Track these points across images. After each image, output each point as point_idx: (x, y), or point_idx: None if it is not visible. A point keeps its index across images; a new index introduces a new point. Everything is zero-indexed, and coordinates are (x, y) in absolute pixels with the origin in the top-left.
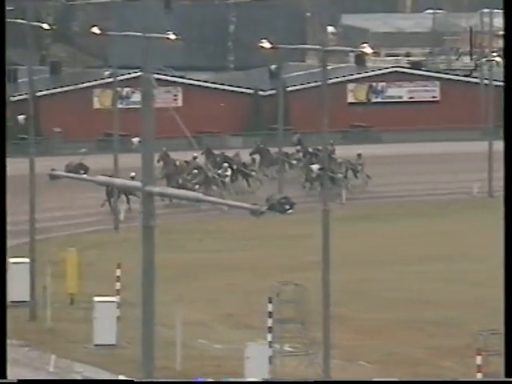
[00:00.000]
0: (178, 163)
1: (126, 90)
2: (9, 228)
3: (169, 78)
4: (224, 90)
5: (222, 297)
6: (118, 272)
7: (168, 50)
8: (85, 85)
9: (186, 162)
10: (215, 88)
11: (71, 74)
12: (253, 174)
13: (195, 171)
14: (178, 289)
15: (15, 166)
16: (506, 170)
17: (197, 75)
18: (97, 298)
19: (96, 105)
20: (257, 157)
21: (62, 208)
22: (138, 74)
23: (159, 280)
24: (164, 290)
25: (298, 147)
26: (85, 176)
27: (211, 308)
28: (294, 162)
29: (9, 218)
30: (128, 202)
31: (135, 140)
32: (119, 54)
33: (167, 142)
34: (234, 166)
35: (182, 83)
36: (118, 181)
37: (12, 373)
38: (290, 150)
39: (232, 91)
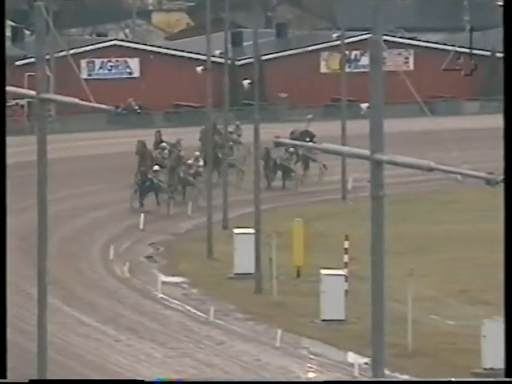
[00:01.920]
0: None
1: (355, 52)
2: (233, 198)
3: (399, 39)
4: (457, 51)
5: (455, 271)
6: (346, 244)
7: (399, 10)
8: (312, 48)
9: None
10: (448, 50)
11: (298, 36)
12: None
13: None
14: (408, 262)
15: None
16: (506, 170)
17: (429, 36)
18: (324, 271)
19: (323, 69)
20: None
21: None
22: (367, 35)
23: (389, 253)
24: (394, 264)
25: None
26: (310, 144)
27: (444, 283)
28: None
29: (237, 187)
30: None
31: (364, 106)
32: (347, 16)
33: (397, 108)
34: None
35: (414, 45)
36: (344, 149)
37: (237, 348)
38: None
39: (466, 53)
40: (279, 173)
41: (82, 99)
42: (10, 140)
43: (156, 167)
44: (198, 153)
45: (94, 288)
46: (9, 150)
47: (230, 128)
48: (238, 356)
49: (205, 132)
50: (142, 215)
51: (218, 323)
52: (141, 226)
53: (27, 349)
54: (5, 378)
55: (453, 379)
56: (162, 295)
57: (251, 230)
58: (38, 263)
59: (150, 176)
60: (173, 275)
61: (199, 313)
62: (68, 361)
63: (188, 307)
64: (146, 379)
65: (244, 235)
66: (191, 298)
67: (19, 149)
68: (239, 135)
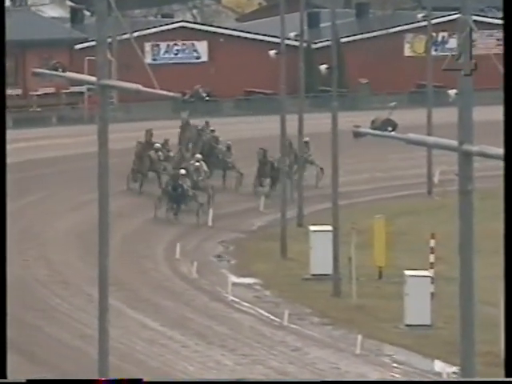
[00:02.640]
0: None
1: (442, 34)
2: (308, 193)
3: (491, 19)
4: None
5: None
6: (432, 243)
7: None
8: (395, 29)
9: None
10: None
11: (380, 17)
12: None
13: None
14: (501, 262)
15: (314, 122)
16: (506, 170)
17: None
18: (408, 272)
19: (407, 52)
20: None
21: (368, 170)
22: (456, 15)
23: (480, 252)
24: (485, 263)
25: None
26: (393, 133)
27: None
28: None
29: (313, 181)
30: None
31: (452, 92)
32: None
33: (487, 95)
34: None
35: None
36: (430, 139)
37: (313, 355)
38: None
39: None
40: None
41: (145, 86)
42: (68, 130)
43: (182, 171)
44: (199, 155)
45: (159, 289)
46: (68, 141)
47: (200, 125)
48: (315, 364)
49: (184, 128)
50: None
51: (292, 328)
52: (209, 224)
53: (88, 354)
54: (5, 378)
55: (453, 379)
56: (232, 297)
57: (328, 228)
58: (99, 262)
59: (180, 182)
60: (244, 276)
61: (272, 317)
62: (131, 368)
63: (260, 310)
64: None
65: (321, 233)
66: (264, 301)
67: (79, 139)
68: (212, 131)
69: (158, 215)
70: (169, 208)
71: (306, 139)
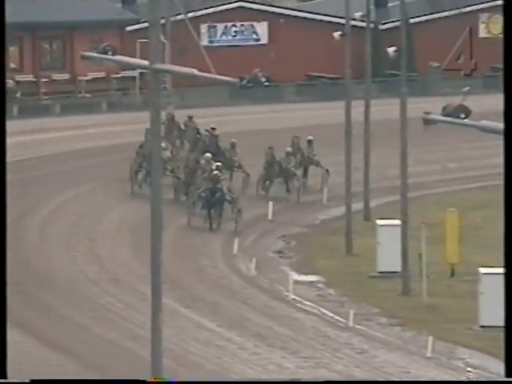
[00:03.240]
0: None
1: None
2: (375, 185)
3: None
4: None
5: None
6: None
7: None
8: (469, 9)
9: None
10: None
11: None
12: None
13: None
14: None
15: (381, 108)
16: (506, 170)
17: None
18: (483, 270)
19: (482, 33)
20: None
21: (439, 160)
22: None
23: None
24: None
25: None
26: (465, 121)
27: None
28: None
29: (380, 172)
30: None
31: None
32: None
33: None
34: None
35: None
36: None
37: (381, 358)
38: None
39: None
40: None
41: (201, 70)
42: (119, 117)
43: (216, 172)
44: (208, 154)
45: (216, 287)
46: (118, 129)
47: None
48: (383, 367)
49: (169, 124)
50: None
51: (358, 329)
52: (269, 217)
53: (140, 356)
54: (5, 377)
55: (453, 379)
56: (293, 296)
57: (397, 222)
58: (152, 259)
59: (219, 185)
60: (306, 273)
61: (337, 317)
62: (186, 371)
63: (324, 310)
64: None
65: (389, 227)
66: (327, 300)
67: (131, 127)
68: (213, 129)
69: (192, 223)
70: (205, 214)
71: (310, 138)
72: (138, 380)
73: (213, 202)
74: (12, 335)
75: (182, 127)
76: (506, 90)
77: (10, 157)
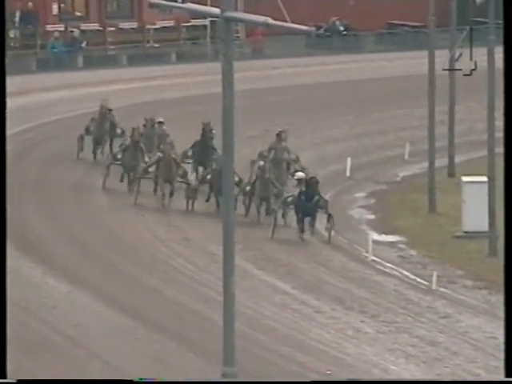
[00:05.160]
0: None
1: None
2: (461, 139)
3: None
4: None
5: None
6: None
7: None
8: None
9: None
10: None
11: None
12: None
13: None
14: None
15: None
16: (506, 170)
17: None
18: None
19: None
20: None
21: None
22: None
23: None
24: None
25: None
26: None
27: None
28: None
29: (466, 125)
30: None
31: None
32: None
33: None
34: None
35: None
36: None
37: (466, 323)
38: None
39: None
40: None
41: (275, 18)
42: (189, 67)
43: (300, 174)
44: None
45: (290, 248)
46: (188, 80)
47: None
48: (467, 333)
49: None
50: None
51: (442, 292)
52: (347, 173)
53: (211, 320)
54: (5, 378)
55: (452, 379)
56: (373, 257)
57: (484, 179)
58: (224, 218)
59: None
60: (386, 233)
61: (419, 279)
62: (260, 336)
63: (405, 272)
64: (350, 358)
65: (475, 184)
66: (409, 261)
67: (202, 78)
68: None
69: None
70: (299, 224)
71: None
72: (137, 381)
73: (308, 209)
74: (80, 297)
75: None
76: (506, 89)
77: (78, 109)
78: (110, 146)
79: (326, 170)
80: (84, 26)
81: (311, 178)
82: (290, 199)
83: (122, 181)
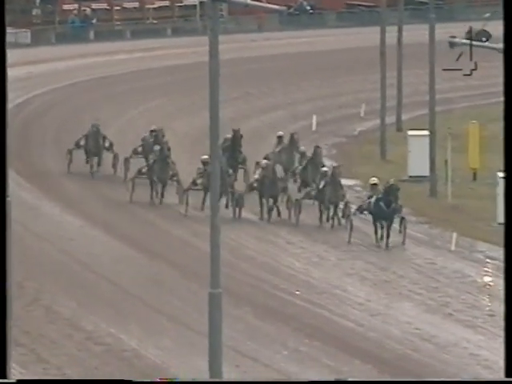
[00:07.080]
0: None
1: None
2: (407, 100)
3: None
4: None
5: None
6: None
7: None
8: None
9: None
10: None
11: None
12: None
13: None
14: None
15: (413, 33)
16: (506, 170)
17: None
18: (501, 174)
19: None
20: None
21: (463, 78)
22: None
23: None
24: None
25: None
26: (486, 43)
27: None
28: None
29: (412, 88)
30: None
31: None
32: None
33: None
34: None
35: None
36: None
37: (411, 251)
38: None
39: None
40: None
41: None
42: (182, 40)
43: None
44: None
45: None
46: (182, 51)
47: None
48: (412, 259)
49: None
50: None
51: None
52: (313, 128)
53: (199, 248)
54: (5, 377)
55: (452, 379)
56: None
57: (426, 132)
58: (211, 202)
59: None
60: (346, 178)
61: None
62: (241, 263)
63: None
64: (316, 281)
65: (418, 137)
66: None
67: (192, 49)
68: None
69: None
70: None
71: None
72: (136, 381)
73: (386, 215)
74: (115, 244)
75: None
76: (506, 89)
77: (90, 75)
78: (99, 158)
79: (296, 125)
80: (94, 6)
81: (391, 185)
82: (365, 206)
83: (152, 197)
